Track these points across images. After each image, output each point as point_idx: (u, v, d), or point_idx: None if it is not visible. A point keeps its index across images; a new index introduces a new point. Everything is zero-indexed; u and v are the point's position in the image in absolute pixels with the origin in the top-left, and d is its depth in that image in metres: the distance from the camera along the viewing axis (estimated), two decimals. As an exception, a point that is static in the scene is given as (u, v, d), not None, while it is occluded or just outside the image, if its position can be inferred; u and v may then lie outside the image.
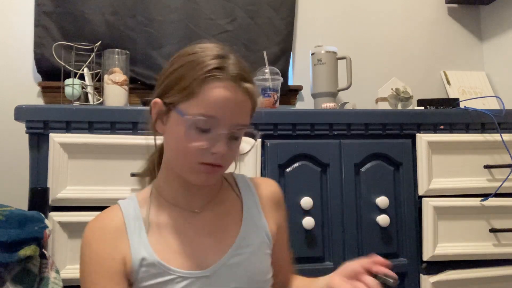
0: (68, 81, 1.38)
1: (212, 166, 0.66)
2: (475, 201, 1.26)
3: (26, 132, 1.11)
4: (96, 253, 0.67)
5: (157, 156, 0.78)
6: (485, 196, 1.26)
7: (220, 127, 0.65)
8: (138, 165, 1.12)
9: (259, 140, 1.18)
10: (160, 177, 0.75)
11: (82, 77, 1.41)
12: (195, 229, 0.72)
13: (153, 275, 0.67)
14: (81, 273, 0.68)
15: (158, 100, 0.69)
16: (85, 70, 1.41)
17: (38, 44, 1.57)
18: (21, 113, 1.10)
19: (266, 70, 1.40)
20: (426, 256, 1.23)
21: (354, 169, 1.24)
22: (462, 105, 1.39)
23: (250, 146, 0.75)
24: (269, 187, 0.82)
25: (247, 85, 0.67)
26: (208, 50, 0.67)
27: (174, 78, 0.67)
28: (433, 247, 1.23)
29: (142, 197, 0.75)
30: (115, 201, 1.11)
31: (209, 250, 0.71)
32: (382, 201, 1.22)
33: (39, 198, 1.08)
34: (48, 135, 1.10)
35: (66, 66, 1.37)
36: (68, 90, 1.39)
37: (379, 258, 0.70)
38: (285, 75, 1.74)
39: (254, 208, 0.77)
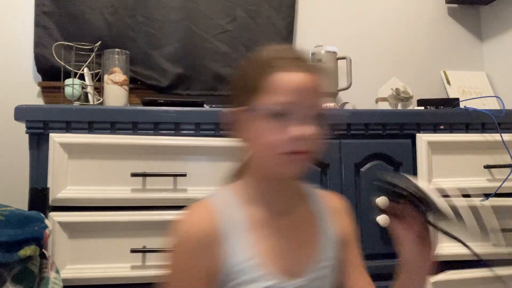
0: (68, 81, 1.38)
1: (297, 153, 0.65)
2: (475, 201, 1.26)
3: (26, 132, 1.11)
4: (186, 264, 0.66)
5: (244, 162, 0.77)
6: (485, 196, 1.26)
7: (293, 112, 0.64)
8: (138, 165, 1.13)
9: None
10: (251, 179, 0.73)
11: (82, 77, 1.41)
12: (286, 231, 0.71)
13: (251, 279, 0.65)
14: (168, 275, 0.67)
15: (229, 110, 0.70)
16: (85, 70, 1.41)
17: (38, 44, 1.57)
18: (21, 113, 1.10)
19: (266, 70, 1.40)
20: (426, 256, 1.23)
21: (354, 169, 1.24)
22: (462, 105, 1.39)
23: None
24: (336, 199, 0.82)
25: (309, 63, 0.69)
26: (267, 50, 0.70)
27: (241, 83, 0.70)
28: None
29: (237, 193, 0.72)
30: (115, 201, 1.12)
31: (300, 257, 0.71)
32: (382, 201, 1.22)
33: (39, 198, 1.08)
34: (48, 135, 1.10)
35: (66, 66, 1.37)
36: (68, 90, 1.39)
37: None
38: (285, 75, 1.73)
39: (325, 225, 0.76)
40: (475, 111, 1.31)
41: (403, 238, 0.69)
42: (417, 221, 0.68)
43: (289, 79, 0.65)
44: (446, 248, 1.24)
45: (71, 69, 1.35)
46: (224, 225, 0.67)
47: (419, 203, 0.64)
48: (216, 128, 1.18)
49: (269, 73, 0.65)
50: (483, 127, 1.31)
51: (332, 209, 0.79)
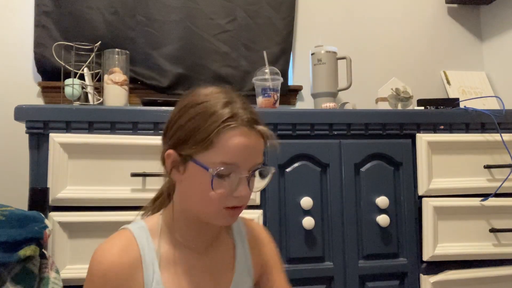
0: (68, 81, 1.38)
1: (236, 208, 0.69)
2: (475, 201, 1.26)
3: (26, 132, 1.11)
4: (108, 286, 0.67)
5: (166, 192, 0.79)
6: (485, 196, 1.26)
7: (240, 171, 0.66)
8: (138, 165, 1.13)
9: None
10: (169, 216, 0.75)
11: (82, 77, 1.41)
12: (198, 271, 0.73)
13: None
14: None
15: (171, 151, 0.69)
16: (85, 70, 1.41)
17: (38, 44, 1.57)
18: (21, 113, 1.10)
19: (266, 70, 1.40)
20: (426, 256, 1.23)
21: (354, 169, 1.24)
22: (462, 105, 1.39)
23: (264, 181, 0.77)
24: (256, 230, 0.84)
25: (260, 127, 0.68)
26: (214, 98, 0.68)
27: (188, 131, 0.67)
28: (433, 247, 1.23)
29: (152, 227, 0.74)
30: (115, 201, 1.12)
31: None
32: (382, 201, 1.22)
33: (39, 198, 1.08)
34: (48, 135, 1.10)
35: (66, 66, 1.37)
36: (68, 90, 1.39)
37: None
38: (285, 75, 1.74)
39: (243, 253, 0.79)
40: (475, 111, 1.31)
41: None
42: None
43: (241, 142, 0.65)
44: (446, 248, 1.24)
45: (71, 69, 1.35)
46: (144, 257, 0.69)
47: None
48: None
49: (225, 131, 0.65)
50: (483, 127, 1.31)
51: (252, 240, 0.81)
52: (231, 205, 0.68)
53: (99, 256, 0.68)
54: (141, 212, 0.81)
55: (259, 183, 0.74)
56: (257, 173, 0.72)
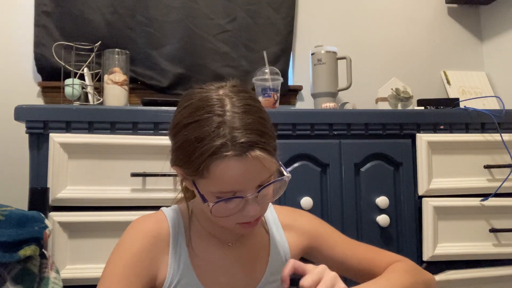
0: (68, 81, 1.38)
1: (250, 223, 0.66)
2: (475, 201, 1.26)
3: (26, 132, 1.11)
4: (135, 254, 0.67)
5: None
6: (485, 196, 1.26)
7: (244, 193, 0.62)
8: (138, 165, 1.13)
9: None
10: (196, 208, 0.74)
11: (82, 77, 1.41)
12: (228, 260, 0.73)
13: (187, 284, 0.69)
14: (110, 263, 0.68)
15: (177, 168, 0.67)
16: (85, 70, 1.41)
17: (38, 44, 1.57)
18: (21, 113, 1.10)
19: (266, 70, 1.40)
20: (426, 256, 1.23)
21: (354, 169, 1.24)
22: (462, 105, 1.39)
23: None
24: (290, 215, 0.82)
25: (256, 153, 0.60)
26: (206, 116, 0.61)
27: (182, 157, 0.63)
28: (433, 247, 1.23)
29: (183, 213, 0.75)
30: (115, 201, 1.12)
31: (241, 283, 0.72)
32: (382, 201, 1.22)
33: (39, 198, 1.08)
34: (48, 135, 1.10)
35: (66, 66, 1.37)
36: (68, 90, 1.39)
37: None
38: (285, 75, 1.74)
39: (280, 241, 0.78)
40: (475, 111, 1.31)
41: None
42: None
43: (235, 172, 0.60)
44: (446, 248, 1.24)
45: (71, 69, 1.35)
46: (172, 236, 0.71)
47: None
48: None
49: (215, 162, 0.59)
50: (483, 127, 1.31)
51: (287, 225, 0.80)
52: (243, 222, 0.65)
53: (132, 225, 0.72)
54: (178, 198, 0.81)
55: (276, 192, 0.68)
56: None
